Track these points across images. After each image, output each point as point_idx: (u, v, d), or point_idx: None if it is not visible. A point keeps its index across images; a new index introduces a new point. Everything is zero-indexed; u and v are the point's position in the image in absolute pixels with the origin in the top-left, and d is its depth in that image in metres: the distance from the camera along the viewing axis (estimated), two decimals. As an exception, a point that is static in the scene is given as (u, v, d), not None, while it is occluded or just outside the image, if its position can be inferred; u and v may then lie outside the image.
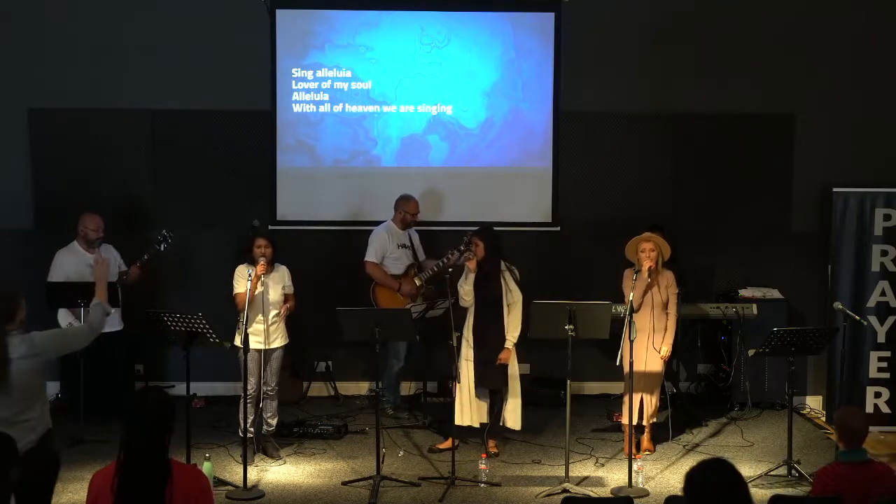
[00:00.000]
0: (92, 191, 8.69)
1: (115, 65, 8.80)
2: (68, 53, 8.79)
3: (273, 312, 7.17)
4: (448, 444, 7.16)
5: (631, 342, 6.78)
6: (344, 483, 6.76)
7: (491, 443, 7.33)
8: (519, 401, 7.31)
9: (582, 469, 7.07)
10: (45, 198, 8.84)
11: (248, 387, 6.93)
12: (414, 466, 7.14)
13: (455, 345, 7.04)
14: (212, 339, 6.52)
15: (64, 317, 7.86)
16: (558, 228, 9.06)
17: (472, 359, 7.20)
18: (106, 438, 7.10)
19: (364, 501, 6.46)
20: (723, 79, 8.95)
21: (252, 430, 7.08)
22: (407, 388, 8.82)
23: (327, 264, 8.89)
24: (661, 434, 7.60)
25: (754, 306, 8.56)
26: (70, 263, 7.90)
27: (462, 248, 7.24)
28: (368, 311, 7.29)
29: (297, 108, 8.97)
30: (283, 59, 8.92)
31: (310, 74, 8.95)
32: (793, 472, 6.84)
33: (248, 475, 6.65)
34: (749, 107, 8.99)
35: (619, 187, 9.01)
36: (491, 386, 7.26)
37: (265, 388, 7.19)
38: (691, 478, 3.70)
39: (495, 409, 7.28)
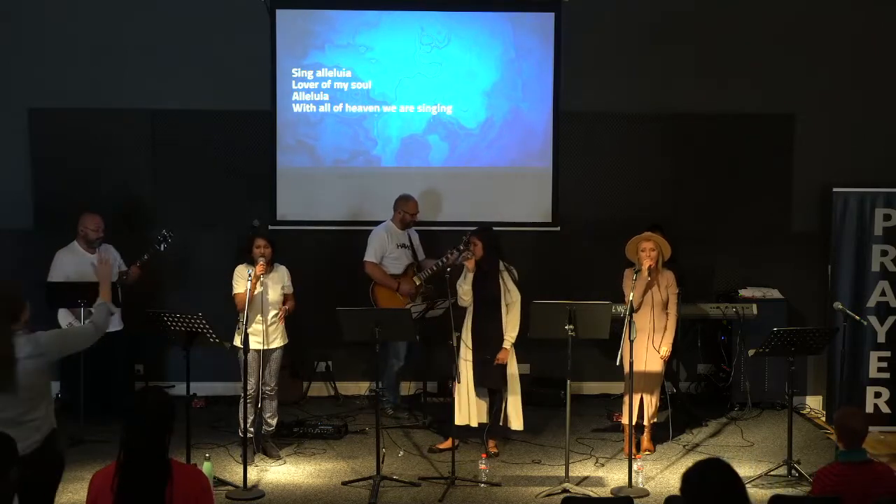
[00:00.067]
0: (92, 191, 8.69)
1: (115, 65, 8.80)
2: (68, 53, 8.79)
3: (272, 313, 7.17)
4: (448, 444, 7.16)
5: (631, 342, 6.78)
6: (344, 483, 6.77)
7: (491, 443, 7.33)
8: (519, 400, 7.32)
9: (582, 469, 7.07)
10: (45, 198, 8.85)
11: (248, 387, 6.94)
12: (414, 466, 7.14)
13: (455, 345, 7.05)
14: (212, 339, 6.52)
15: (64, 317, 7.86)
16: (558, 228, 9.06)
17: (471, 359, 7.21)
18: (106, 438, 7.11)
19: (364, 501, 6.46)
20: (723, 79, 8.95)
21: (252, 430, 7.08)
22: (407, 388, 8.82)
23: (327, 264, 8.89)
24: (661, 434, 7.60)
25: (754, 306, 8.56)
26: (70, 263, 7.90)
27: (461, 247, 7.25)
28: (368, 311, 7.29)
29: (297, 108, 8.97)
30: (283, 59, 8.92)
31: (310, 74, 8.95)
32: (793, 472, 6.83)
33: (248, 475, 6.65)
34: (749, 107, 8.98)
35: (619, 187, 9.01)
36: (490, 385, 7.26)
37: (264, 389, 7.18)
38: (688, 478, 3.70)
39: (494, 409, 7.29)
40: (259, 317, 7.08)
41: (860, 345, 8.10)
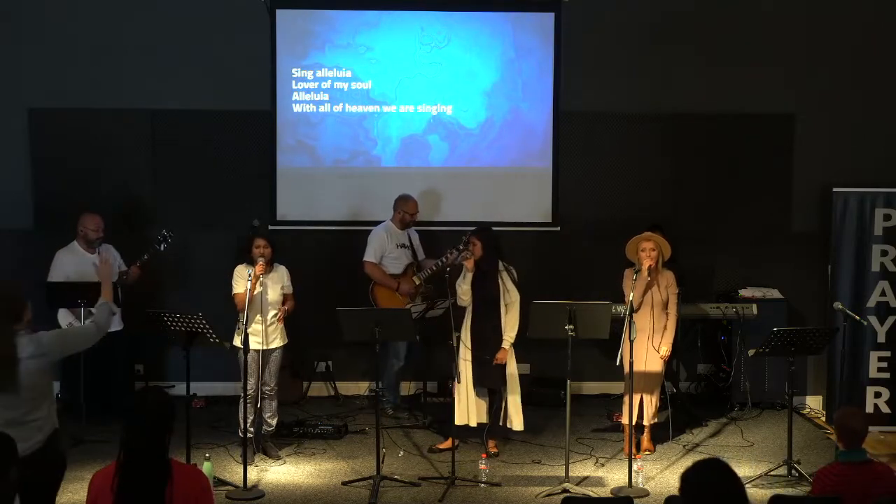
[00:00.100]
0: (92, 191, 8.69)
1: (115, 65, 8.80)
2: (68, 53, 8.79)
3: (271, 313, 7.16)
4: (448, 444, 7.16)
5: (631, 342, 6.78)
6: (344, 483, 6.77)
7: (491, 443, 7.33)
8: (519, 400, 7.32)
9: (582, 469, 7.07)
10: (45, 198, 8.85)
11: (248, 387, 6.94)
12: (414, 466, 7.14)
13: (455, 345, 7.05)
14: (212, 339, 6.52)
15: (64, 317, 7.87)
16: (558, 228, 9.06)
17: (470, 358, 7.21)
18: (106, 438, 7.11)
19: (364, 501, 6.46)
20: (723, 79, 8.95)
21: (252, 430, 7.08)
22: (407, 388, 8.82)
23: (327, 264, 8.89)
24: (661, 434, 7.60)
25: (754, 306, 8.56)
26: (70, 263, 7.90)
27: (460, 247, 7.25)
28: (368, 311, 7.29)
29: (297, 108, 8.97)
30: (283, 59, 8.92)
31: (310, 74, 8.95)
32: (793, 472, 6.84)
33: (248, 475, 6.65)
34: (749, 107, 8.98)
35: (619, 187, 9.01)
36: (489, 385, 7.26)
37: (264, 389, 7.18)
38: (687, 478, 3.70)
39: (494, 409, 7.29)
40: (258, 317, 7.08)
41: (860, 345, 8.10)
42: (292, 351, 7.67)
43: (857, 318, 7.83)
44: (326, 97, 8.96)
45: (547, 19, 8.96)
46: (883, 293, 8.12)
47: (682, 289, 7.65)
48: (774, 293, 8.73)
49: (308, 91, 8.95)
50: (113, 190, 8.80)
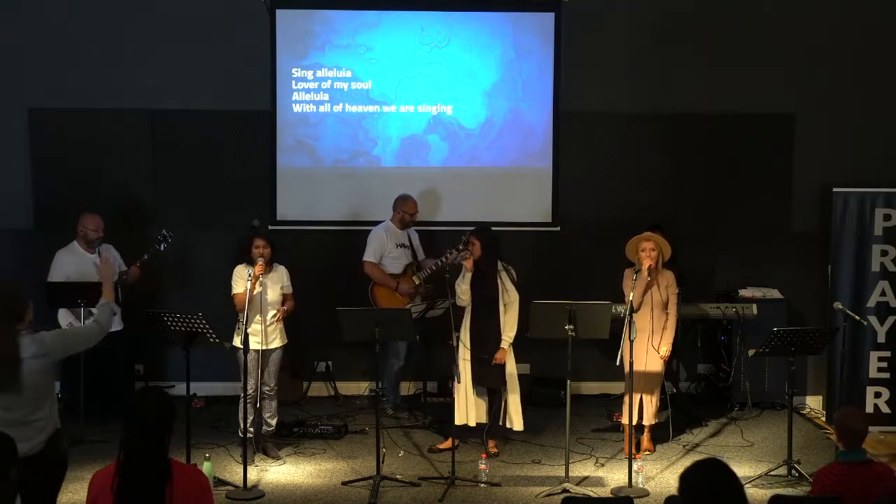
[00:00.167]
0: (92, 191, 8.69)
1: (115, 65, 8.80)
2: (68, 53, 8.79)
3: (271, 313, 7.16)
4: (448, 444, 7.16)
5: (631, 342, 6.79)
6: (344, 483, 6.77)
7: (491, 443, 7.33)
8: (519, 400, 7.32)
9: (582, 469, 7.07)
10: (45, 198, 8.85)
11: (248, 387, 6.94)
12: (414, 466, 7.14)
13: (454, 345, 7.05)
14: (212, 340, 6.52)
15: (64, 317, 7.86)
16: (558, 228, 9.06)
17: (469, 358, 7.21)
18: (106, 438, 7.11)
19: (364, 501, 6.46)
20: (723, 79, 8.95)
21: (252, 430, 7.08)
22: (407, 388, 8.82)
23: (327, 264, 8.89)
24: (661, 434, 7.60)
25: (754, 306, 8.56)
26: (70, 263, 7.90)
27: (460, 247, 7.25)
28: (368, 311, 7.29)
29: (297, 109, 8.97)
30: (283, 59, 8.92)
31: (310, 74, 8.95)
32: (793, 472, 6.84)
33: (248, 475, 6.65)
34: (749, 107, 8.98)
35: (619, 187, 9.01)
36: (488, 385, 7.26)
37: (264, 389, 7.18)
38: (686, 478, 3.71)
39: (494, 409, 7.29)
40: (258, 317, 7.08)
41: (860, 345, 8.10)
42: (292, 351, 7.67)
43: (857, 318, 7.83)
44: (326, 97, 8.97)
45: (547, 19, 8.96)
46: (883, 293, 8.12)
47: (682, 289, 7.65)
48: (774, 293, 8.73)
49: (308, 91, 8.95)
50: (113, 190, 8.80)
